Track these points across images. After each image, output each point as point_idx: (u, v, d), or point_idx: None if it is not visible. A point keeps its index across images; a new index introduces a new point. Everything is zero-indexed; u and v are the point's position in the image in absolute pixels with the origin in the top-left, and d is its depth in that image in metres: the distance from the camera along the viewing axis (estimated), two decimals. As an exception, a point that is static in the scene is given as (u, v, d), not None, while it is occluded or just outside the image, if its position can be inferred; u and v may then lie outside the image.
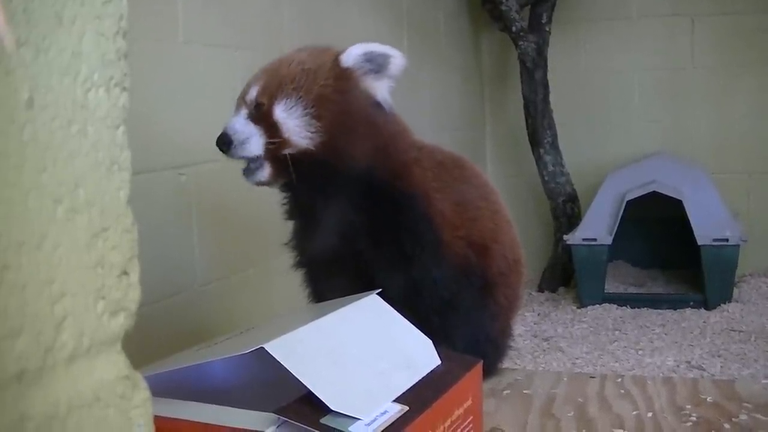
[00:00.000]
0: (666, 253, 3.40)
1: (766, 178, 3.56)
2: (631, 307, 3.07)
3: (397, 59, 1.17)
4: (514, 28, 3.28)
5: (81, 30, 0.49)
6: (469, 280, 1.22)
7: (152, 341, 1.27)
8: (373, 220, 1.18)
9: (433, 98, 3.16)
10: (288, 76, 1.16)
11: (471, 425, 0.90)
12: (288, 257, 1.29)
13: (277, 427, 0.71)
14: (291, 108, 1.14)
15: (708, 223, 2.96)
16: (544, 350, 2.65)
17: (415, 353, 0.91)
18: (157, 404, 0.58)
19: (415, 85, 2.94)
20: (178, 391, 0.81)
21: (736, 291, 3.09)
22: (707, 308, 2.98)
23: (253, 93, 1.17)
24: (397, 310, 0.97)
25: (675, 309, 3.01)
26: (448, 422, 0.84)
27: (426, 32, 3.15)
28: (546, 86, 3.40)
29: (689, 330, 2.78)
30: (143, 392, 0.54)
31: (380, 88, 1.18)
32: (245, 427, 0.72)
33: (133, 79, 0.53)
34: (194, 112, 1.63)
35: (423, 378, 0.86)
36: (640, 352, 2.56)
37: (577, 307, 3.12)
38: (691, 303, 3.03)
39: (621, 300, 3.12)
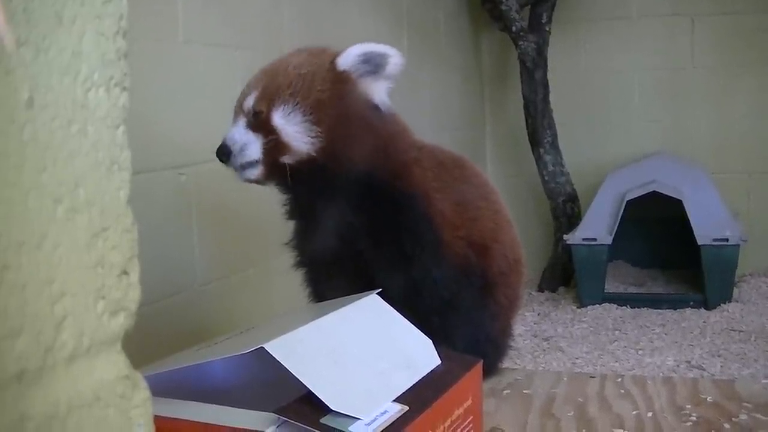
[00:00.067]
0: (666, 253, 3.40)
1: (766, 178, 3.56)
2: (631, 307, 3.07)
3: (394, 58, 1.16)
4: (514, 28, 3.28)
5: (81, 30, 0.49)
6: (469, 280, 1.22)
7: (152, 341, 1.27)
8: (373, 220, 1.18)
9: (433, 98, 3.16)
10: (285, 82, 1.15)
11: (471, 425, 0.90)
12: (288, 257, 1.29)
13: (277, 427, 0.71)
14: (289, 114, 1.14)
15: (708, 223, 2.96)
16: (544, 350, 2.65)
17: (415, 353, 0.91)
18: (157, 404, 0.58)
19: (415, 84, 2.94)
20: (178, 391, 0.81)
21: (736, 291, 3.09)
22: (707, 308, 2.98)
23: (250, 101, 1.17)
24: (398, 310, 0.97)
25: (675, 309, 3.01)
26: (448, 422, 0.84)
27: (426, 32, 3.15)
28: (546, 86, 3.40)
29: (689, 330, 2.78)
30: (143, 392, 0.54)
31: (378, 90, 1.18)
32: (245, 427, 0.72)
33: (133, 79, 0.53)
34: (194, 112, 1.63)
35: (423, 378, 0.86)
36: (640, 352, 2.56)
37: (577, 307, 3.12)
38: (691, 303, 3.03)
39: (621, 300, 3.12)
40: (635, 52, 3.66)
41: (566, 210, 3.41)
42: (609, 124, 3.73)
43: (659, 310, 3.01)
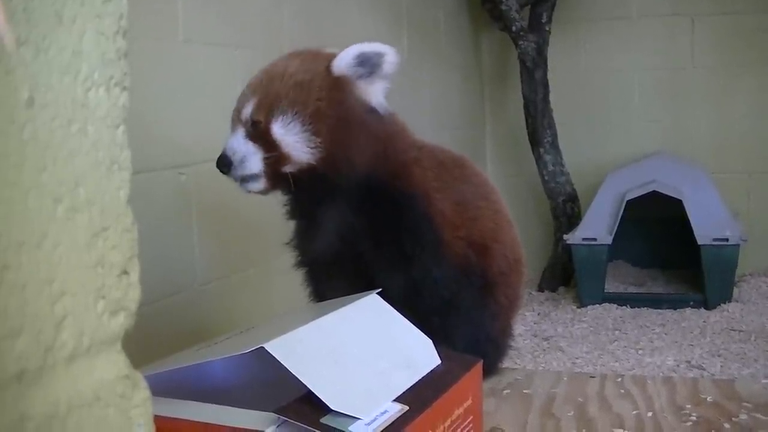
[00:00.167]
0: (666, 252, 3.40)
1: (766, 178, 3.55)
2: (631, 307, 3.07)
3: (389, 57, 1.15)
4: (514, 28, 3.28)
5: (81, 29, 0.49)
6: (469, 280, 1.22)
7: (152, 341, 1.27)
8: (374, 220, 1.18)
9: (433, 97, 3.16)
10: (282, 92, 1.14)
11: (471, 425, 0.90)
12: (288, 257, 1.29)
13: (277, 426, 0.71)
14: (288, 124, 1.13)
15: (708, 223, 2.96)
16: (544, 350, 2.65)
17: (415, 353, 0.91)
18: (157, 404, 0.58)
19: (415, 84, 2.94)
20: (178, 391, 0.81)
21: (736, 291, 3.09)
22: (707, 308, 2.98)
23: (247, 110, 1.16)
24: (398, 310, 0.97)
25: (675, 309, 3.00)
26: (448, 422, 0.84)
27: (426, 31, 3.15)
28: (546, 86, 3.40)
29: (689, 330, 2.78)
30: (143, 392, 0.54)
31: (375, 93, 1.17)
32: (245, 427, 0.72)
33: (133, 79, 0.53)
34: (194, 112, 1.63)
35: (423, 377, 0.86)
36: (640, 352, 2.56)
37: (577, 307, 3.12)
38: (691, 303, 3.02)
39: (621, 300, 3.12)
40: (635, 52, 3.66)
41: (566, 210, 3.41)
42: (609, 124, 3.72)
43: (659, 310, 3.01)
